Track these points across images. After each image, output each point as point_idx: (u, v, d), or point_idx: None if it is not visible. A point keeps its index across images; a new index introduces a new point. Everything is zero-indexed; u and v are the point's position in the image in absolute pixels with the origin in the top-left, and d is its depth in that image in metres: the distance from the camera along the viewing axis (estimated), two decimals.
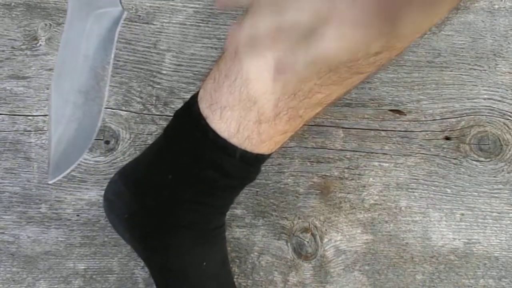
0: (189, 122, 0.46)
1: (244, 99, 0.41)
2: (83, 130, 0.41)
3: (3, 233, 0.62)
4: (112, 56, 0.40)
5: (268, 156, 0.47)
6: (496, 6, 0.67)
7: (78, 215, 0.62)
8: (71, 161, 0.41)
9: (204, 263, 0.49)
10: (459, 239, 0.62)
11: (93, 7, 0.40)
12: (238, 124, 0.42)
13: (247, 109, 0.41)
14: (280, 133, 0.43)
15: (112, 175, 0.63)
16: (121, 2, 0.40)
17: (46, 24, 0.67)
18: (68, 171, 0.41)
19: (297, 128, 0.45)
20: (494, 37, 0.66)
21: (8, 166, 0.63)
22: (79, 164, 0.63)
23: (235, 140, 0.43)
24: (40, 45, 0.66)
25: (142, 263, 0.61)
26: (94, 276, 0.61)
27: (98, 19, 0.40)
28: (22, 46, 0.66)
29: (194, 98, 0.46)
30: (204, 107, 0.44)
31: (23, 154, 0.63)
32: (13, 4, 0.67)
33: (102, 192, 0.62)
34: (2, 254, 0.61)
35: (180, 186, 0.47)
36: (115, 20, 0.40)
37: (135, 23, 0.67)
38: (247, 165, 0.45)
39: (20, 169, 0.63)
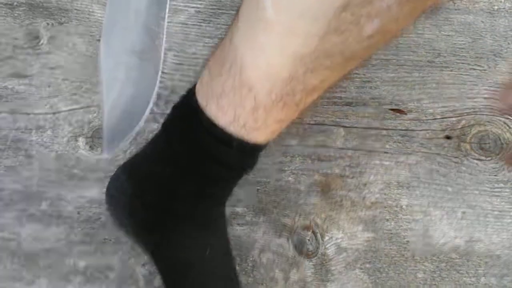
0: (186, 113, 0.48)
1: (239, 86, 0.43)
2: (139, 95, 0.38)
3: (3, 230, 0.64)
4: (167, 10, 0.37)
5: (265, 146, 0.49)
6: (496, 7, 0.70)
7: (78, 213, 0.64)
8: (127, 130, 0.39)
9: (208, 252, 0.51)
10: (460, 237, 0.64)
11: None
12: (234, 111, 0.44)
13: (243, 96, 0.43)
14: (276, 121, 0.45)
15: (112, 173, 0.65)
16: None
17: (48, 24, 0.69)
18: (125, 142, 0.39)
19: (293, 117, 0.47)
20: (494, 38, 0.69)
21: (9, 164, 0.65)
22: (79, 161, 0.65)
23: (232, 129, 0.45)
24: (42, 44, 0.69)
25: (143, 261, 0.63)
26: (94, 274, 0.63)
27: None
28: (24, 45, 0.69)
29: (191, 91, 0.48)
30: (200, 98, 0.46)
31: (24, 152, 0.66)
32: (15, 3, 0.70)
33: (103, 190, 0.64)
34: (2, 251, 0.63)
35: (180, 178, 0.49)
36: None
37: None
38: (244, 155, 0.47)
39: (21, 167, 0.65)
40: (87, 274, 0.63)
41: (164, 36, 0.39)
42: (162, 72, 0.68)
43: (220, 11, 0.69)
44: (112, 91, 0.38)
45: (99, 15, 0.70)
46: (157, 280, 0.63)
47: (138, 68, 0.39)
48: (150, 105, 0.39)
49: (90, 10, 0.70)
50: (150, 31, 0.38)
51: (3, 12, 0.70)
